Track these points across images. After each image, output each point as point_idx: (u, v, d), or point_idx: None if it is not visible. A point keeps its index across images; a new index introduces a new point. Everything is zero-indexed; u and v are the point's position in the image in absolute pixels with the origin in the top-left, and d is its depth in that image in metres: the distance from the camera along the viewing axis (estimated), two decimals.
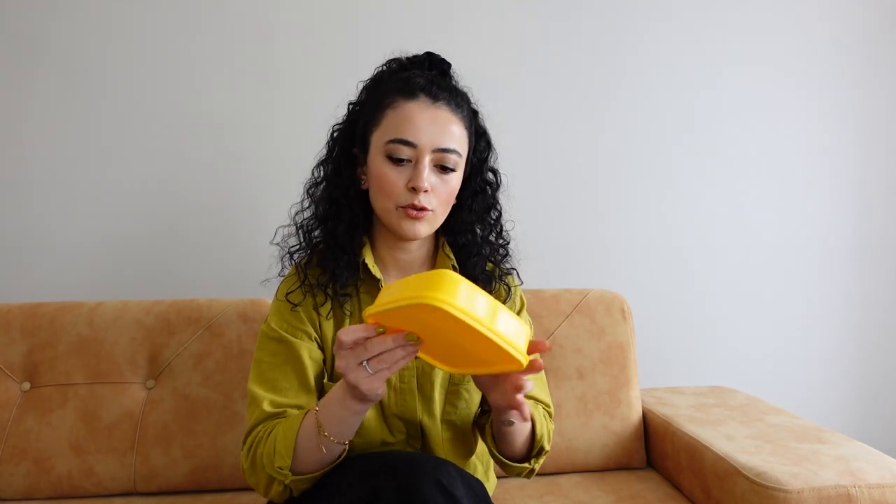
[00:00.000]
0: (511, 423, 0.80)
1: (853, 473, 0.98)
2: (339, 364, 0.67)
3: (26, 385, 1.22)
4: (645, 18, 1.60)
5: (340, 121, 0.94)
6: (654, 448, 1.33)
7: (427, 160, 0.82)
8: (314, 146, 0.96)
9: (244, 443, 0.84)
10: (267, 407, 0.83)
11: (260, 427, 0.82)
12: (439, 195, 0.84)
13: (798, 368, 1.69)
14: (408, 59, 0.91)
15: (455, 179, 0.86)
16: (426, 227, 0.85)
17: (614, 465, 1.31)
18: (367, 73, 0.93)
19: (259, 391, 0.85)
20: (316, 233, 0.91)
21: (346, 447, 0.77)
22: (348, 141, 0.91)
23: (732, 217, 1.65)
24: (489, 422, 0.88)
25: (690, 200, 1.64)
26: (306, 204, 0.93)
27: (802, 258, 1.68)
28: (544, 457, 0.89)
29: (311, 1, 1.50)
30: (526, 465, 0.88)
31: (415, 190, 0.82)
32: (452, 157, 0.84)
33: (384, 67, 0.92)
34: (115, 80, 1.46)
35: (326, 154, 0.93)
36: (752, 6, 1.64)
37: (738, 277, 1.66)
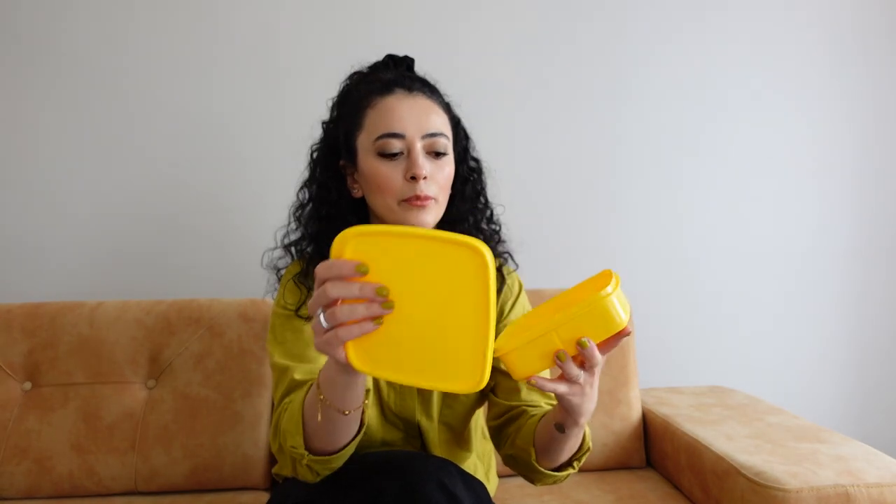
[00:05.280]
0: (563, 430, 0.74)
1: (852, 473, 0.99)
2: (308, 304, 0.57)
3: (27, 385, 1.22)
4: (646, 19, 1.60)
5: (317, 141, 0.93)
6: (653, 448, 1.34)
7: (419, 147, 0.81)
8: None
9: (272, 422, 0.79)
10: (298, 375, 0.79)
11: (287, 399, 0.77)
12: (438, 182, 0.83)
13: (798, 368, 1.69)
14: (369, 66, 0.91)
15: (448, 164, 0.85)
16: (432, 217, 0.83)
17: (614, 464, 1.32)
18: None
19: (288, 362, 0.81)
20: (309, 249, 0.89)
21: (356, 423, 0.69)
22: (331, 156, 0.90)
23: (732, 217, 1.65)
24: (531, 435, 0.82)
25: (690, 200, 1.64)
26: (293, 227, 0.92)
27: (802, 258, 1.68)
28: (586, 456, 0.83)
29: (315, 1, 1.50)
30: (570, 469, 0.82)
31: (414, 179, 0.80)
32: (442, 140, 0.83)
33: (349, 81, 0.91)
34: (116, 80, 1.46)
35: (309, 174, 0.92)
36: (748, 8, 1.64)
37: (738, 277, 1.66)
